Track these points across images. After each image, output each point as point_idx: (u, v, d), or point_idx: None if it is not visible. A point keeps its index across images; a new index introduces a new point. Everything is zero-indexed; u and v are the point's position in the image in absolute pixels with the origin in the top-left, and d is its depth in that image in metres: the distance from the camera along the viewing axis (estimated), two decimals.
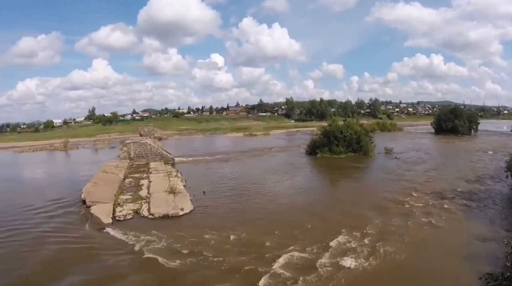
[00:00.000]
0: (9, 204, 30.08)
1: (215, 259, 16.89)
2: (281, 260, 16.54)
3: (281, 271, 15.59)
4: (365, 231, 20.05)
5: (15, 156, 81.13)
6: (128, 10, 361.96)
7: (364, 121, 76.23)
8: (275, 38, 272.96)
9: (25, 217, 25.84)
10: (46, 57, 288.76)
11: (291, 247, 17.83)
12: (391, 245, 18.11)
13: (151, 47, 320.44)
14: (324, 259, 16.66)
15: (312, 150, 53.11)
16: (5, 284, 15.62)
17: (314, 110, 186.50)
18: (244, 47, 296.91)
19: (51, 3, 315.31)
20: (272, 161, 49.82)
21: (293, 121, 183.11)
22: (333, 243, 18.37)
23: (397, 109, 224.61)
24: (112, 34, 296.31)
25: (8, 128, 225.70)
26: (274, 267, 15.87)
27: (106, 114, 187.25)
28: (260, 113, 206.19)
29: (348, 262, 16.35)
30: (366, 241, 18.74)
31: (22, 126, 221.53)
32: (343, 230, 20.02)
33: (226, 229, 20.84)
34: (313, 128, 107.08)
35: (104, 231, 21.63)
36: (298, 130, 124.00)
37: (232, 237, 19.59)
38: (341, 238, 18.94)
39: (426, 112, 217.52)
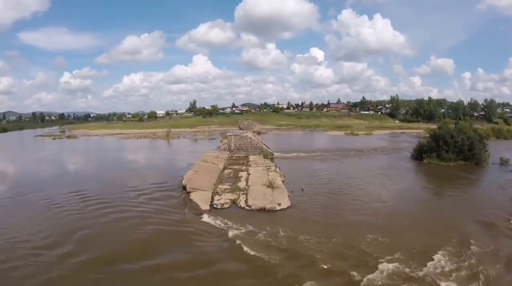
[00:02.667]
0: (116, 185, 33.29)
1: (309, 259, 16.09)
2: (379, 268, 15.12)
3: (378, 281, 14.25)
4: (468, 250, 17.35)
5: (121, 141, 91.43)
6: (225, 7, 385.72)
7: (478, 125, 67.98)
8: (377, 30, 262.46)
9: (129, 196, 28.21)
10: (150, 54, 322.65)
11: (388, 257, 16.10)
12: (495, 270, 15.40)
13: (249, 43, 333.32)
14: (422, 274, 14.81)
15: (418, 154, 48.87)
16: (100, 254, 17.03)
17: (421, 110, 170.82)
18: (345, 40, 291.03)
19: (152, 5, 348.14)
20: (373, 162, 47.20)
21: (397, 121, 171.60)
22: (432, 259, 16.23)
23: None
24: (211, 31, 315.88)
25: (114, 117, 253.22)
26: (369, 276, 14.52)
27: (206, 107, 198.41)
28: (362, 112, 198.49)
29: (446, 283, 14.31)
30: (467, 262, 16.14)
31: (127, 116, 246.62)
32: (444, 246, 17.58)
33: (322, 229, 19.88)
34: (420, 130, 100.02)
35: (201, 217, 22.30)
36: (403, 132, 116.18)
37: (327, 237, 18.57)
38: (441, 254, 16.63)
39: None
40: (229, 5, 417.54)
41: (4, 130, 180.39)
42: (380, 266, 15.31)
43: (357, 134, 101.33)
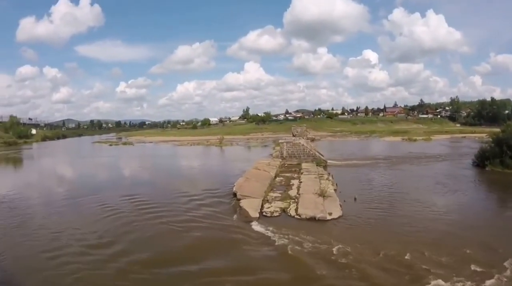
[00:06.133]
0: (168, 190, 34.76)
1: (358, 271, 15.84)
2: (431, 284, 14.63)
3: None
4: None
5: (175, 148, 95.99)
6: (274, 13, 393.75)
7: None
8: (431, 28, 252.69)
9: (181, 202, 29.35)
10: (202, 62, 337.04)
11: (443, 274, 15.44)
12: None
13: (300, 48, 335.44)
14: None
15: (480, 161, 45.94)
16: (150, 256, 17.94)
17: (483, 112, 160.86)
18: (398, 41, 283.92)
19: (202, 15, 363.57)
20: (431, 170, 45.16)
21: (458, 125, 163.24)
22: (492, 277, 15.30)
23: None
24: (261, 38, 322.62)
25: (169, 125, 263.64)
26: None
27: (259, 114, 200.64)
28: (420, 115, 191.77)
29: None
30: None
31: (181, 123, 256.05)
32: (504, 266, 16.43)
33: (374, 242, 19.36)
34: (483, 134, 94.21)
35: (250, 224, 22.62)
36: (464, 137, 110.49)
37: (379, 251, 18.10)
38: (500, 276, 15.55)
39: None
40: (278, 10, 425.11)
41: (64, 136, 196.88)
42: (433, 282, 14.89)
43: (415, 140, 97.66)
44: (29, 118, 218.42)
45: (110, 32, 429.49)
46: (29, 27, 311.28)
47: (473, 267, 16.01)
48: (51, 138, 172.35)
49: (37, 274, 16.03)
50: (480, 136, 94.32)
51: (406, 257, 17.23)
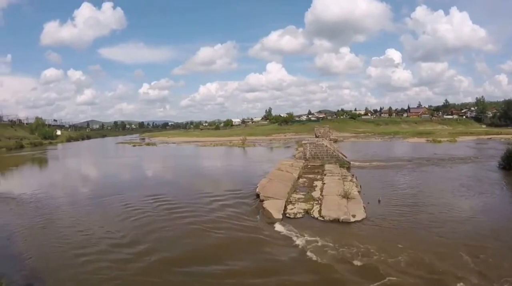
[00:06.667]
0: (191, 190, 35.11)
1: (384, 276, 15.65)
2: None
3: None
4: None
5: (197, 149, 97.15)
6: (295, 13, 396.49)
7: None
8: (455, 25, 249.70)
9: (203, 202, 29.52)
10: (224, 63, 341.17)
11: (467, 279, 15.06)
12: None
13: (322, 48, 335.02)
14: None
15: (507, 163, 44.69)
16: (173, 255, 18.19)
17: (510, 113, 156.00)
18: (421, 39, 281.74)
19: (223, 16, 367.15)
20: (455, 172, 44.03)
21: (484, 126, 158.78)
22: None
23: None
24: (282, 38, 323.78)
25: (191, 125, 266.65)
26: None
27: (282, 115, 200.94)
28: (445, 116, 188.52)
29: None
30: None
31: (204, 124, 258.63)
32: None
33: (399, 245, 18.92)
34: (509, 135, 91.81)
35: (273, 225, 22.58)
36: (490, 138, 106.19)
37: (405, 254, 17.76)
38: None
39: None
40: (299, 10, 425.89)
41: (88, 137, 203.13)
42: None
43: (439, 142, 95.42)
44: (54, 120, 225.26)
45: (132, 35, 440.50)
46: (53, 31, 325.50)
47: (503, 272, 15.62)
48: (76, 139, 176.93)
49: (63, 272, 16.40)
50: (506, 138, 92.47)
51: (435, 262, 16.84)
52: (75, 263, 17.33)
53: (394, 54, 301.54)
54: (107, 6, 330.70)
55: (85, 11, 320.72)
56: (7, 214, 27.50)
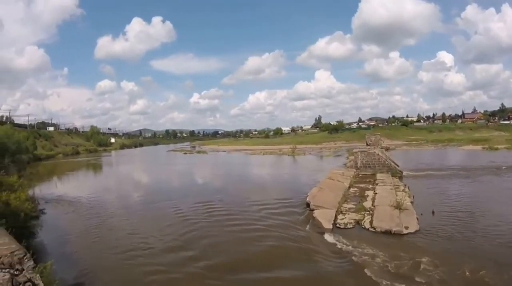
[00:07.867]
0: (241, 198, 35.40)
1: None
2: None
3: None
4: None
5: (247, 157, 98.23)
6: (342, 19, 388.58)
7: None
8: (508, 23, 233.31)
9: (253, 210, 29.74)
10: (272, 72, 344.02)
11: None
12: None
13: (371, 53, 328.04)
14: None
15: None
16: (222, 262, 18.43)
17: None
18: (473, 40, 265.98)
19: (270, 25, 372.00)
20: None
21: None
22: None
23: None
24: (330, 45, 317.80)
25: (241, 134, 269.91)
26: None
27: (331, 123, 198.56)
28: (502, 121, 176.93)
29: None
30: None
31: (253, 133, 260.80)
32: None
33: (455, 260, 18.07)
34: None
35: (323, 235, 22.35)
36: None
37: (462, 270, 16.92)
38: None
39: None
40: (345, 16, 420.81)
41: (141, 145, 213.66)
42: None
43: (496, 149, 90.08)
44: (108, 128, 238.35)
45: (182, 47, 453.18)
46: (107, 45, 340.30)
47: None
48: (129, 147, 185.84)
49: (111, 273, 17.20)
50: None
51: (488, 279, 15.96)
52: (125, 265, 18.15)
53: (445, 57, 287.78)
54: (156, 20, 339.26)
55: (136, 26, 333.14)
56: (64, 216, 29.30)
